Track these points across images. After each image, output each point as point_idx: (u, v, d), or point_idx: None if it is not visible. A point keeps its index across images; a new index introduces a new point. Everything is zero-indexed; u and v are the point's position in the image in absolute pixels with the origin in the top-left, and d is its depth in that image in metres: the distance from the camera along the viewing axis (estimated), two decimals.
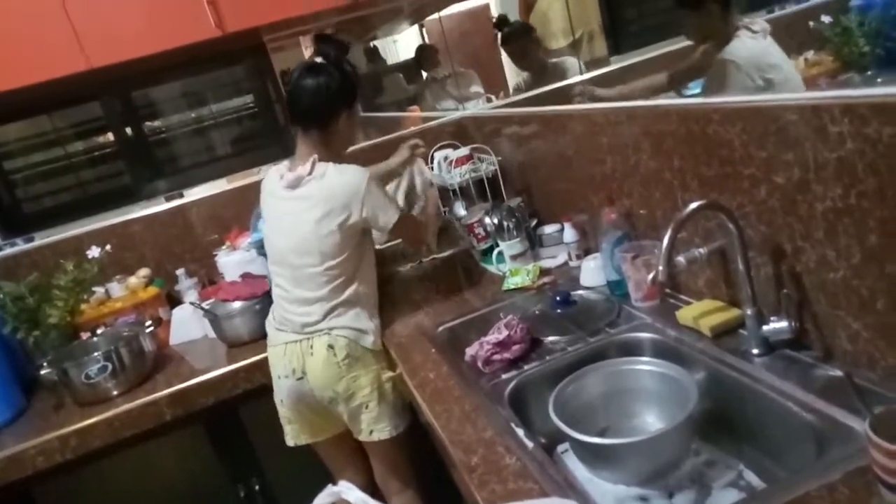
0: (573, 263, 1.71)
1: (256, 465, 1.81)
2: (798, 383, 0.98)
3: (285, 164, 1.64)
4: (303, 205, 1.53)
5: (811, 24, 1.26)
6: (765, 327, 1.07)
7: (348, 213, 1.51)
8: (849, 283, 0.93)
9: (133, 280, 2.09)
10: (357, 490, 0.75)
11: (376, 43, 3.44)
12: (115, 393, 1.68)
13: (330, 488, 0.76)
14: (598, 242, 1.50)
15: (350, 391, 1.52)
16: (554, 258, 1.80)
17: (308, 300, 1.54)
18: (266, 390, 1.65)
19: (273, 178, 1.63)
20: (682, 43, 1.54)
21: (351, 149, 1.72)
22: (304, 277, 1.55)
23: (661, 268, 1.01)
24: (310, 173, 1.53)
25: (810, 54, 1.27)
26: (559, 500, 0.69)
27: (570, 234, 1.72)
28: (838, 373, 0.96)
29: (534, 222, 1.92)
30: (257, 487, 1.80)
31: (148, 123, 2.60)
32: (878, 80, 1.16)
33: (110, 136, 2.54)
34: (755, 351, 1.08)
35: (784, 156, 0.97)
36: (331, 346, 1.51)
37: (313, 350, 1.52)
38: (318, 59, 1.57)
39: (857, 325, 0.94)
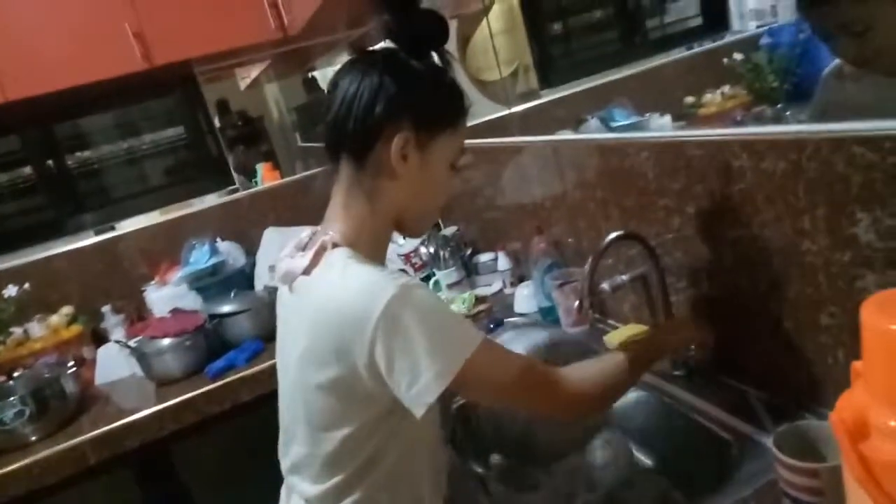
0: (507, 291, 1.75)
1: None
2: (715, 402, 1.03)
3: (307, 231, 0.92)
4: (295, 322, 0.86)
5: (725, 60, 1.35)
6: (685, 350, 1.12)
7: (348, 356, 0.76)
8: (758, 308, 0.98)
9: (55, 318, 2.00)
10: None
11: (315, 74, 3.46)
12: (33, 438, 1.59)
13: None
14: (530, 270, 1.53)
15: None
16: (489, 286, 1.82)
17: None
18: (198, 430, 1.59)
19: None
20: (605, 78, 1.62)
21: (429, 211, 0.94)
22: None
23: (584, 296, 1.04)
24: (305, 271, 0.82)
25: (727, 88, 1.35)
26: None
27: (504, 262, 1.75)
28: (752, 392, 1.02)
29: (469, 251, 1.95)
30: None
31: (78, 154, 2.52)
32: (787, 112, 1.24)
33: (29, 170, 2.44)
34: (676, 373, 1.13)
35: (694, 188, 1.03)
36: None
37: None
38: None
39: (765, 346, 1.00)
